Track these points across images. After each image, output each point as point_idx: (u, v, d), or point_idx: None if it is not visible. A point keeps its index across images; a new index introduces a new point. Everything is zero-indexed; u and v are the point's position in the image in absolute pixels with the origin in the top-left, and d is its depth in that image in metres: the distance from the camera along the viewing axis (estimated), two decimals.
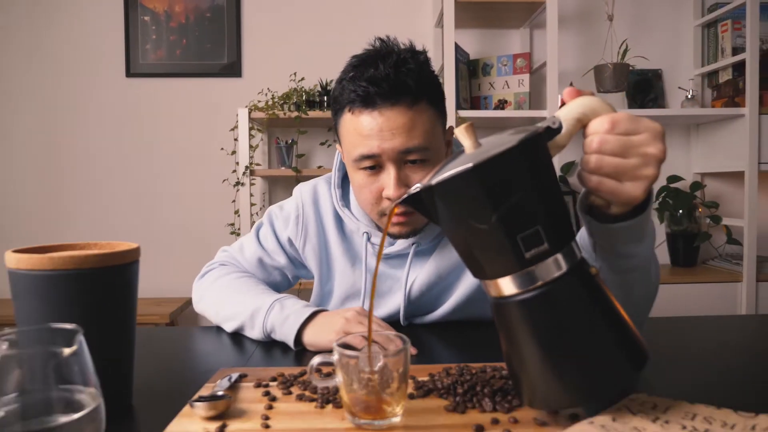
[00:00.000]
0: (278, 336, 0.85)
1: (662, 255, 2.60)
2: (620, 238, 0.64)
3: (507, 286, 0.52)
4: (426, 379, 0.64)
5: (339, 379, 0.55)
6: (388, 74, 0.80)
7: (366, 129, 0.82)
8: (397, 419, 0.54)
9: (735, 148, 2.34)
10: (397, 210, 0.73)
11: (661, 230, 2.59)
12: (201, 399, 0.57)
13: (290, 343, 0.83)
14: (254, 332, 0.88)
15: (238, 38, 2.55)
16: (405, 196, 0.54)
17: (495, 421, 0.54)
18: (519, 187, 0.50)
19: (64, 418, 0.47)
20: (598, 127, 0.55)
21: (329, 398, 0.59)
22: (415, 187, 0.53)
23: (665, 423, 0.48)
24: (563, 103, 0.59)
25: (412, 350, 0.80)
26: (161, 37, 2.56)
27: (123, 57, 2.55)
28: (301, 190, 1.04)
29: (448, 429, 0.52)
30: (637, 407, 0.52)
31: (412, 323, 0.99)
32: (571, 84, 2.37)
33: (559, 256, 0.51)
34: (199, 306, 1.02)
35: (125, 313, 0.62)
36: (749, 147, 2.24)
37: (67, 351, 0.47)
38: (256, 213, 2.41)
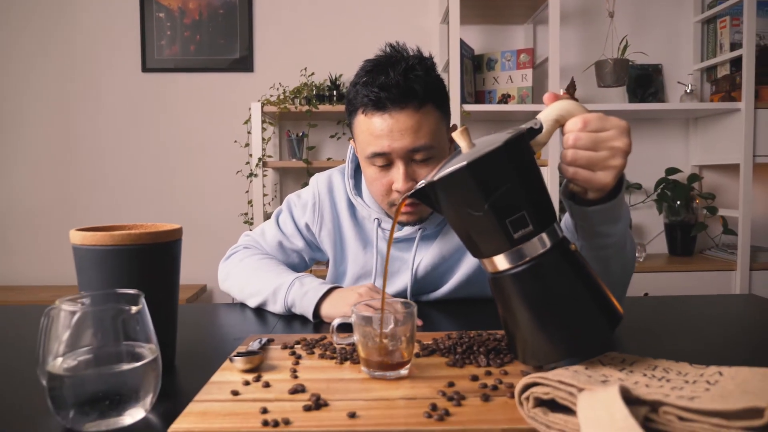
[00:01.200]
0: (298, 309, 0.95)
1: (660, 245, 2.69)
2: (597, 220, 0.73)
3: (501, 262, 0.62)
4: (430, 342, 0.74)
5: (356, 337, 0.64)
6: (398, 81, 0.89)
7: (377, 130, 0.92)
8: (405, 372, 0.64)
9: (731, 142, 2.41)
10: (405, 202, 0.83)
11: (659, 220, 2.67)
12: (239, 354, 0.67)
13: (309, 315, 0.93)
14: (276, 307, 0.98)
15: (249, 34, 2.64)
16: (412, 190, 0.64)
17: (488, 373, 0.63)
18: (506, 180, 0.60)
19: (128, 366, 0.57)
20: (572, 126, 0.65)
21: (347, 356, 0.69)
22: (421, 183, 0.63)
23: (630, 372, 0.58)
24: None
25: (418, 322, 0.90)
26: (176, 33, 2.65)
27: (139, 52, 2.65)
28: (317, 180, 1.14)
29: (449, 379, 0.62)
30: (608, 361, 0.61)
31: (419, 300, 1.09)
32: (572, 79, 2.46)
33: (544, 236, 0.61)
34: (224, 284, 1.12)
35: (171, 283, 0.71)
36: (744, 140, 2.31)
37: (134, 309, 0.57)
38: (269, 203, 2.51)
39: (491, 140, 0.62)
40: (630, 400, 0.43)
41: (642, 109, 2.42)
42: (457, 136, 0.65)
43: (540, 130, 0.65)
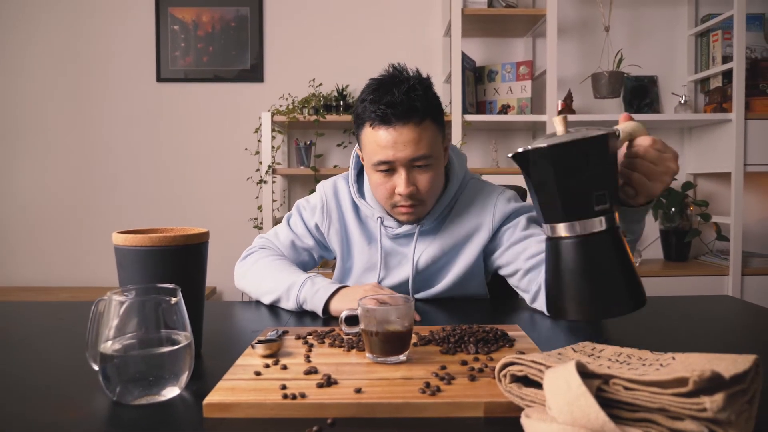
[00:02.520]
0: (309, 306, 1.05)
1: (656, 250, 2.77)
2: (628, 218, 0.88)
3: (561, 230, 0.74)
4: (427, 334, 0.84)
5: (361, 327, 0.74)
6: (402, 100, 1.02)
7: (383, 141, 1.04)
8: (404, 357, 0.73)
9: (723, 151, 2.50)
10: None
11: (655, 227, 2.76)
12: (259, 342, 0.76)
13: (319, 311, 1.03)
14: (289, 303, 1.08)
15: (260, 46, 2.75)
16: (519, 150, 0.74)
17: (476, 359, 0.73)
18: (602, 161, 0.73)
19: (167, 349, 0.66)
20: (643, 141, 0.80)
21: (353, 345, 0.79)
22: (527, 147, 0.74)
23: (597, 357, 0.67)
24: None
25: (417, 317, 1.00)
26: (189, 45, 2.77)
27: (154, 63, 2.77)
28: (324, 185, 1.25)
29: (442, 363, 0.71)
30: (579, 348, 0.70)
31: (419, 298, 1.19)
32: (569, 90, 2.55)
33: (604, 218, 0.73)
34: (240, 283, 1.22)
35: (199, 279, 0.81)
36: (735, 150, 2.40)
37: (173, 300, 0.67)
38: (277, 208, 2.61)
39: (588, 131, 0.74)
40: (586, 374, 0.52)
41: (638, 119, 2.50)
42: (557, 122, 0.77)
43: (618, 137, 0.79)
